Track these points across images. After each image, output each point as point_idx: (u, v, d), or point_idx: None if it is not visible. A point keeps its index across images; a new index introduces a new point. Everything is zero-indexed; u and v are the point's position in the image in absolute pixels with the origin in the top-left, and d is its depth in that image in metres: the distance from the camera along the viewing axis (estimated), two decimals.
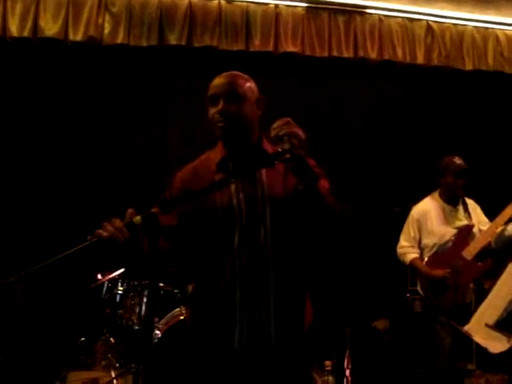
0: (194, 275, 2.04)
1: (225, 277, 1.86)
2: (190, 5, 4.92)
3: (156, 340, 3.48)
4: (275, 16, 5.09)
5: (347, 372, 3.83)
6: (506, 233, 3.61)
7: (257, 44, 5.03)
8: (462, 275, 3.62)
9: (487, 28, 5.62)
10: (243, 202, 1.90)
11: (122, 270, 3.91)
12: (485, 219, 3.85)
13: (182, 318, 3.50)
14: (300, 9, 5.17)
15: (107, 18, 4.77)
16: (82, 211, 4.60)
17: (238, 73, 2.01)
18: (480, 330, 2.31)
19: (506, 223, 3.61)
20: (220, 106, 1.90)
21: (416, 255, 3.83)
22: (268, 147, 1.96)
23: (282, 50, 5.09)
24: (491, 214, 3.81)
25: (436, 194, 3.93)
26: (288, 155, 1.71)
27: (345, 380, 3.80)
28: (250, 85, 1.98)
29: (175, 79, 5.05)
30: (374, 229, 5.00)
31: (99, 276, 3.99)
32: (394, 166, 5.40)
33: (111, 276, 3.95)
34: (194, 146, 4.80)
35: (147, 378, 3.47)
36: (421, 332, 3.99)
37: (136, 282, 3.93)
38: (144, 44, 4.84)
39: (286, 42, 5.08)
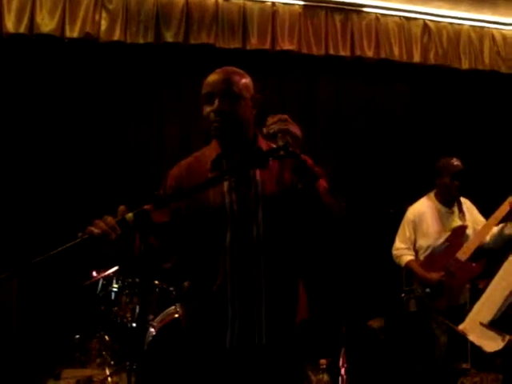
0: (187, 272, 2.03)
1: (217, 275, 1.86)
2: (187, 2, 4.91)
3: (150, 338, 3.46)
4: (272, 14, 5.09)
5: (342, 370, 3.83)
6: (507, 231, 3.61)
7: (253, 42, 5.03)
8: (457, 276, 3.61)
9: (483, 27, 5.64)
10: (236, 201, 1.89)
11: (116, 268, 3.90)
12: (481, 219, 3.83)
13: (176, 315, 3.49)
14: (297, 7, 5.17)
15: (104, 14, 4.76)
16: (76, 208, 4.57)
17: (234, 68, 1.98)
18: (475, 328, 2.31)
19: (500, 223, 3.61)
20: (215, 106, 1.88)
21: (411, 257, 3.82)
22: (263, 144, 1.96)
23: (278, 48, 5.08)
24: (487, 213, 3.81)
25: (432, 195, 3.93)
26: (282, 152, 1.70)
27: (340, 379, 3.79)
28: (245, 81, 1.95)
29: (172, 77, 5.04)
30: (370, 228, 5.00)
31: (94, 273, 3.99)
32: (390, 165, 5.40)
33: (106, 273, 3.94)
34: (190, 143, 4.80)
35: (141, 376, 3.46)
36: (416, 331, 3.99)
37: (131, 280, 3.92)
38: (141, 41, 4.83)
39: (282, 40, 5.08)
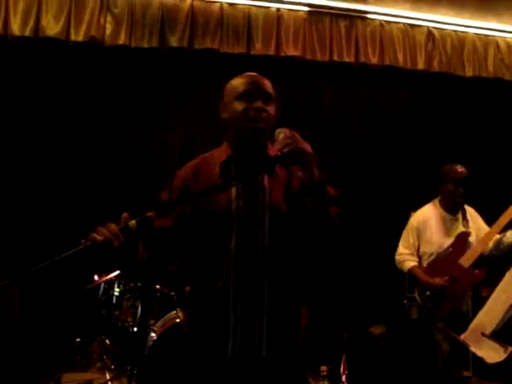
0: (190, 277, 2.02)
1: (219, 280, 1.84)
2: (192, 7, 4.93)
3: (151, 342, 3.46)
4: (277, 20, 5.10)
5: (343, 377, 3.82)
6: (506, 239, 3.60)
7: (258, 47, 5.04)
8: (459, 283, 3.60)
9: (488, 35, 5.64)
10: (242, 207, 1.87)
11: (118, 272, 3.90)
12: (485, 227, 3.83)
13: (177, 320, 3.48)
14: (302, 13, 5.17)
15: (109, 18, 4.77)
16: (79, 213, 4.58)
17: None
18: (477, 339, 2.29)
19: (503, 230, 3.60)
20: (258, 104, 1.87)
21: (415, 263, 3.82)
22: (272, 151, 1.94)
23: (283, 53, 5.09)
24: (490, 220, 3.80)
25: (436, 202, 3.92)
26: (289, 160, 1.70)
27: None
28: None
29: (176, 81, 5.04)
30: (373, 234, 5.00)
31: (96, 277, 3.99)
32: (394, 171, 5.40)
33: (107, 278, 3.94)
34: (194, 147, 4.81)
35: (141, 381, 3.45)
36: (418, 338, 3.98)
37: (132, 284, 3.92)
38: (145, 45, 4.84)
39: (287, 46, 5.09)
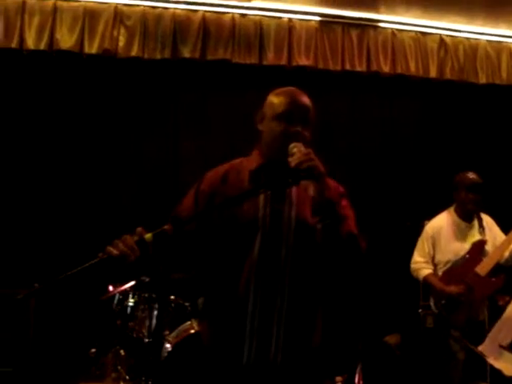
0: (208, 284, 2.00)
1: (239, 288, 1.84)
2: (204, 18, 4.97)
3: (166, 353, 3.46)
4: (288, 30, 5.12)
5: None
6: None
7: (270, 57, 5.06)
8: (476, 291, 3.58)
9: (500, 42, 5.61)
10: (269, 215, 1.87)
11: (133, 283, 3.91)
12: (501, 234, 3.81)
13: (192, 331, 3.48)
14: (313, 22, 5.19)
15: (122, 31, 4.82)
16: (93, 224, 4.62)
17: (306, 94, 1.99)
18: (494, 350, 2.26)
19: None
20: (298, 129, 1.87)
21: (430, 271, 3.80)
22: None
23: (295, 63, 5.11)
24: (505, 228, 3.78)
25: (451, 210, 3.91)
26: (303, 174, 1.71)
27: None
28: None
29: (189, 92, 5.08)
30: (387, 242, 4.97)
31: (111, 288, 3.99)
32: (407, 179, 5.37)
33: (122, 288, 3.94)
34: (207, 159, 4.81)
35: None
36: (433, 348, 3.94)
37: (147, 295, 3.92)
38: (158, 57, 4.88)
39: (299, 56, 5.10)
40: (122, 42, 4.81)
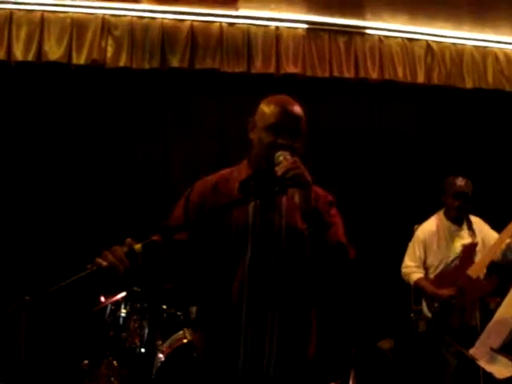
0: (200, 294, 2.00)
1: (232, 297, 1.84)
2: (192, 28, 4.98)
3: (159, 363, 3.45)
4: (276, 38, 5.13)
5: None
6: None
7: (258, 66, 5.07)
8: (468, 294, 3.59)
9: (486, 47, 5.66)
10: (259, 225, 1.88)
11: (125, 293, 3.89)
12: (493, 233, 3.83)
13: (185, 341, 3.47)
14: (300, 30, 5.21)
15: (110, 41, 4.82)
16: (83, 232, 4.61)
17: (297, 104, 1.98)
18: (485, 353, 2.27)
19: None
20: (285, 141, 1.85)
21: (421, 275, 3.82)
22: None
23: (283, 71, 5.12)
24: (497, 230, 3.80)
25: (441, 213, 3.94)
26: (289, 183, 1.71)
27: None
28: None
29: (177, 102, 5.08)
30: (377, 248, 4.99)
31: (102, 299, 3.98)
32: (396, 185, 5.39)
33: (114, 299, 3.93)
34: (196, 168, 4.82)
35: None
36: (426, 352, 3.95)
37: (139, 305, 3.91)
38: (146, 67, 4.89)
39: (287, 64, 5.12)
40: (110, 53, 4.81)
